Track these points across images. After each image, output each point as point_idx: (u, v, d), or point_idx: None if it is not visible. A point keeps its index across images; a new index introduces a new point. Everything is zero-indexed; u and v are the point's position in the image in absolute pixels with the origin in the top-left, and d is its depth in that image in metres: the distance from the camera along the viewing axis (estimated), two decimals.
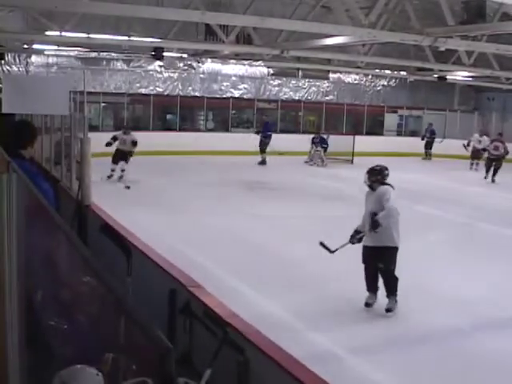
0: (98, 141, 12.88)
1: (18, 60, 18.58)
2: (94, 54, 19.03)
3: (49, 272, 2.64)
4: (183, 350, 3.03)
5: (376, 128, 25.01)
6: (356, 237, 6.13)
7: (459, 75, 19.96)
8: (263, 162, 18.73)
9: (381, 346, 5.49)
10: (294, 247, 8.36)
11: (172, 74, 21.24)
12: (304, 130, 23.25)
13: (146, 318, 1.44)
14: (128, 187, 12.60)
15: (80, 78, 12.33)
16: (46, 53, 18.24)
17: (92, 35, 13.92)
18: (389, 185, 6.15)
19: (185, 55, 18.60)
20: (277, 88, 23.05)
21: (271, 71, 22.72)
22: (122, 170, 13.82)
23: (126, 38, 14.40)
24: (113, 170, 13.75)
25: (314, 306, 6.17)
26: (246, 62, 21.39)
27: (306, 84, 23.54)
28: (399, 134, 25.31)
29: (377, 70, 20.73)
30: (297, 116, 24.22)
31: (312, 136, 19.86)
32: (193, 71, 21.52)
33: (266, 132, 18.81)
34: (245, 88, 22.46)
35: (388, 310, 6.04)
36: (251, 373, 2.61)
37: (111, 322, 2.06)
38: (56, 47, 16.90)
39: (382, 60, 17.47)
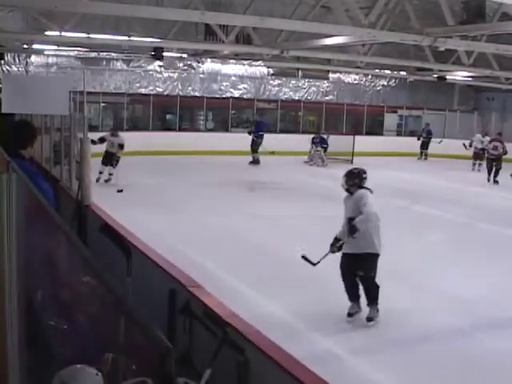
0: None
1: (17, 60, 18.58)
2: (93, 54, 19.04)
3: (49, 272, 2.64)
4: (183, 349, 3.03)
5: (376, 128, 25.01)
6: (336, 245, 5.87)
7: (459, 75, 19.96)
8: (257, 162, 18.67)
9: (381, 346, 5.49)
10: (293, 247, 8.36)
11: (172, 74, 21.23)
12: (304, 130, 23.24)
13: (145, 318, 1.44)
14: (120, 190, 11.94)
15: (80, 77, 12.28)
16: (45, 53, 18.23)
17: (92, 35, 13.91)
18: (367, 189, 5.98)
19: (184, 55, 18.60)
20: (276, 88, 23.05)
21: (271, 71, 22.72)
22: (110, 174, 13.39)
23: (125, 37, 14.39)
24: (100, 173, 13.25)
25: (314, 305, 6.16)
26: (245, 62, 21.39)
27: (306, 84, 23.54)
28: (399, 133, 25.31)
29: (376, 70, 20.72)
30: (296, 116, 24.22)
31: (312, 136, 19.85)
32: (192, 71, 21.52)
33: (257, 132, 18.78)
34: (244, 88, 22.46)
35: (369, 319, 5.81)
36: (251, 373, 2.61)
37: (111, 321, 2.06)
38: (56, 47, 16.90)
39: (382, 60, 17.46)
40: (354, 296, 5.92)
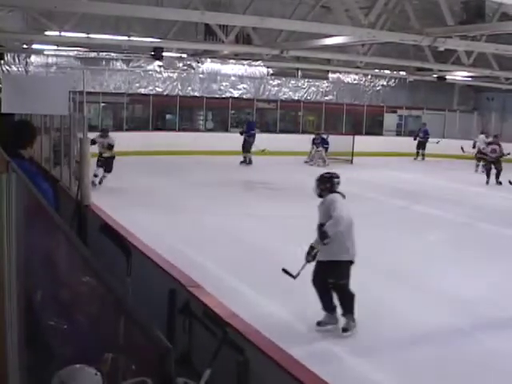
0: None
1: (17, 60, 18.59)
2: (93, 54, 19.04)
3: (48, 272, 2.64)
4: (183, 349, 3.03)
5: (375, 128, 25.01)
6: (311, 253, 5.58)
7: (458, 75, 19.96)
8: (249, 162, 18.63)
9: (381, 345, 5.49)
10: (293, 247, 8.35)
11: (171, 74, 21.23)
12: (303, 130, 23.26)
13: (145, 318, 1.44)
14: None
15: (79, 77, 12.24)
16: (45, 53, 18.24)
17: (91, 35, 13.92)
18: (339, 193, 5.79)
19: (184, 55, 18.60)
20: (276, 88, 23.05)
21: (271, 71, 22.72)
22: (103, 176, 13.01)
23: (125, 37, 14.40)
24: (95, 176, 12.61)
25: (314, 305, 6.15)
26: (245, 62, 21.40)
27: (306, 84, 23.54)
28: (399, 133, 25.30)
29: (376, 70, 20.73)
30: (296, 116, 24.21)
31: (313, 137, 19.82)
32: (192, 71, 21.52)
33: (249, 131, 18.77)
34: (244, 88, 22.47)
35: (344, 330, 5.51)
36: (251, 373, 2.60)
37: (111, 321, 2.05)
38: (55, 47, 16.91)
39: (382, 60, 17.46)
40: (326, 305, 5.65)
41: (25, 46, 16.60)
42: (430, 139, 22.10)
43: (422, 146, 22.34)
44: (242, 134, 18.76)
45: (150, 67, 20.72)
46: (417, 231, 10.14)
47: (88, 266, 1.76)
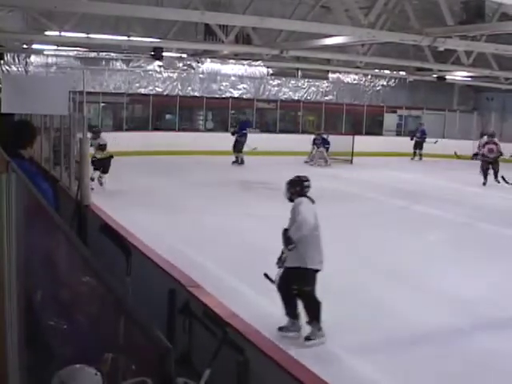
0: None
1: (17, 60, 18.58)
2: (93, 54, 19.03)
3: (48, 272, 2.64)
4: (183, 349, 3.03)
5: (375, 128, 25.00)
6: (281, 259, 5.43)
7: (458, 75, 19.96)
8: (241, 162, 18.57)
9: (381, 345, 5.49)
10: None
11: (171, 74, 21.23)
12: (303, 130, 23.25)
13: (145, 318, 1.44)
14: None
15: (79, 77, 12.26)
16: (45, 53, 18.23)
17: (91, 35, 13.91)
18: (308, 197, 5.67)
19: (184, 55, 18.59)
20: (276, 88, 23.05)
21: (270, 71, 22.72)
22: (100, 177, 12.62)
23: (125, 37, 14.38)
24: (92, 180, 12.43)
25: None
26: (245, 62, 21.39)
27: (306, 84, 23.54)
28: (398, 133, 25.28)
29: (376, 70, 20.72)
30: (296, 116, 24.21)
31: (313, 137, 19.79)
32: (192, 71, 21.52)
33: (241, 131, 18.74)
34: (244, 88, 22.46)
35: (307, 339, 5.27)
36: (251, 373, 2.60)
37: (111, 321, 2.05)
38: (55, 47, 16.91)
39: (382, 60, 17.46)
40: (289, 312, 5.43)
41: (25, 46, 16.60)
42: (428, 139, 22.07)
43: (419, 145, 22.28)
44: (233, 134, 18.67)
45: (149, 67, 20.72)
46: (417, 231, 10.14)
47: (88, 266, 1.76)
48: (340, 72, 23.05)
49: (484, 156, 16.34)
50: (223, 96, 22.08)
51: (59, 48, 17.11)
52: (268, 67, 22.21)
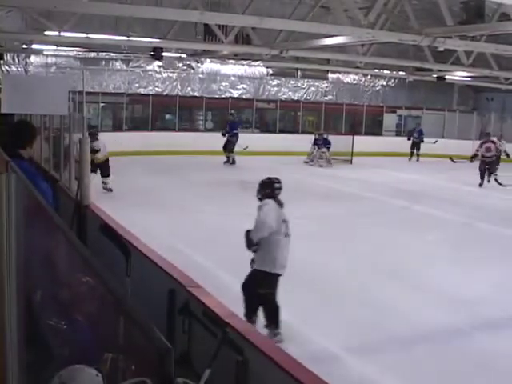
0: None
1: (17, 60, 18.58)
2: (93, 54, 19.04)
3: (48, 272, 2.64)
4: (182, 350, 3.03)
5: (375, 128, 25.02)
6: (253, 260, 5.44)
7: (458, 75, 19.95)
8: (233, 162, 18.50)
9: (381, 345, 5.49)
10: (293, 247, 8.35)
11: (171, 74, 21.23)
12: (303, 130, 23.26)
13: (145, 318, 1.43)
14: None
15: (79, 78, 12.25)
16: (44, 53, 18.22)
17: (91, 35, 13.90)
18: (276, 199, 5.59)
19: (184, 55, 18.59)
20: (276, 88, 23.05)
21: (270, 71, 22.72)
22: (103, 183, 12.41)
23: (125, 38, 14.38)
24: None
25: (314, 305, 6.16)
26: (244, 62, 21.39)
27: (305, 84, 23.55)
28: (398, 134, 25.27)
29: (376, 70, 20.73)
30: (296, 116, 24.22)
31: (314, 137, 19.77)
32: (192, 71, 21.52)
33: (231, 131, 18.72)
34: (244, 88, 22.47)
35: None
36: (250, 373, 2.60)
37: (110, 322, 2.05)
38: (55, 47, 16.90)
39: (381, 60, 17.46)
40: (246, 312, 5.29)
41: (24, 46, 16.59)
42: (427, 139, 22.02)
43: (416, 146, 22.23)
44: (224, 135, 18.59)
45: (149, 67, 20.72)
46: (417, 231, 10.14)
47: (88, 266, 1.76)
48: (340, 72, 23.06)
49: (482, 156, 16.10)
50: (223, 96, 22.08)
51: (59, 48, 17.11)
52: (268, 67, 22.21)
